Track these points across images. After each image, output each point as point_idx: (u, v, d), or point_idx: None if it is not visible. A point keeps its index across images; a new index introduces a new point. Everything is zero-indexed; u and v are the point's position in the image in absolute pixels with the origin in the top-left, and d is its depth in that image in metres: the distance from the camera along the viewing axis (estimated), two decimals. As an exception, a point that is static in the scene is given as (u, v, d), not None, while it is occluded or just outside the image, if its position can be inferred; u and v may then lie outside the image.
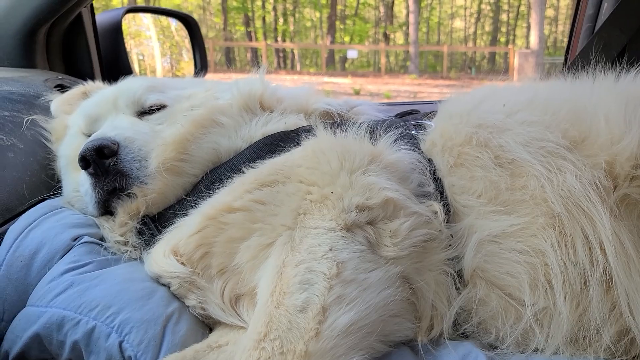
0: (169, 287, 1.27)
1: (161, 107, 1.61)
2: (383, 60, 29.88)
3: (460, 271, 1.19)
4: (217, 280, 1.22)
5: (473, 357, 1.10)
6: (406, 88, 20.84)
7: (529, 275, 1.11)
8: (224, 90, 1.66)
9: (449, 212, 1.24)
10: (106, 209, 1.43)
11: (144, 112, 1.61)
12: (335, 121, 1.54)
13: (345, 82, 22.16)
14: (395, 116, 1.76)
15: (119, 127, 1.51)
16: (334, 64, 31.98)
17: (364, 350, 0.99)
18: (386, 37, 36.86)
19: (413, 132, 1.45)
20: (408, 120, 1.57)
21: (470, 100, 1.43)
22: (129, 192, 1.39)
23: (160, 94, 1.64)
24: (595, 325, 1.07)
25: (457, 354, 1.12)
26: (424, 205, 1.22)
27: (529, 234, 1.13)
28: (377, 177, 1.19)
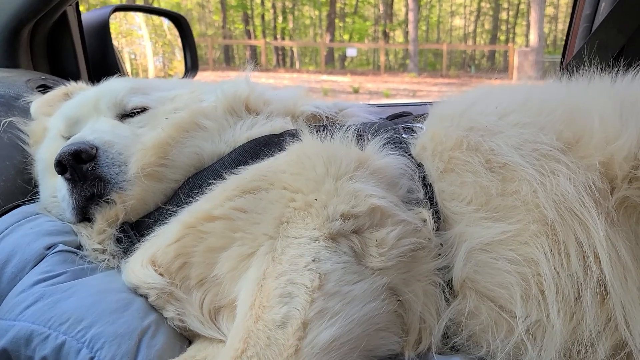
0: (147, 298, 1.22)
1: (144, 110, 1.56)
2: (382, 58, 29.82)
3: (450, 281, 1.15)
4: (195, 291, 1.17)
5: (462, 373, 1.06)
6: (405, 86, 20.81)
7: (520, 286, 1.06)
8: (208, 92, 1.61)
9: (439, 219, 1.19)
10: (84, 215, 1.38)
11: (126, 115, 1.56)
12: (323, 124, 1.49)
13: (344, 81, 22.12)
14: (386, 119, 1.72)
15: (98, 130, 1.45)
16: (333, 62, 31.92)
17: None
18: (385, 35, 36.80)
19: (403, 135, 1.40)
20: (398, 124, 1.52)
21: (462, 102, 1.39)
22: (108, 198, 1.34)
23: (143, 95, 1.59)
24: (589, 338, 1.03)
25: (446, 370, 1.08)
26: (413, 213, 1.17)
27: (521, 241, 1.09)
28: (364, 184, 1.14)
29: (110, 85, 1.65)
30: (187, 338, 1.22)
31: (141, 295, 1.22)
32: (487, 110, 1.28)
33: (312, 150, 1.23)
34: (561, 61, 2.60)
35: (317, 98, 1.72)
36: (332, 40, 32.99)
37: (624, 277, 1.02)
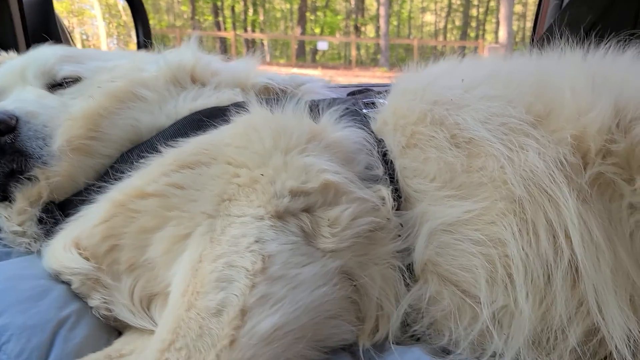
0: (69, 286, 1.08)
1: (77, 80, 1.41)
2: (354, 52, 29.79)
3: (411, 265, 1.05)
4: (125, 277, 1.04)
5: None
6: (377, 81, 20.83)
7: (485, 269, 0.98)
8: (150, 62, 1.47)
9: (400, 198, 1.10)
10: (3, 194, 1.24)
11: (57, 85, 1.41)
12: (276, 97, 1.38)
13: (315, 74, 21.99)
14: (347, 95, 1.61)
15: (21, 100, 1.31)
16: (305, 55, 31.73)
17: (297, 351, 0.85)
18: (357, 30, 36.80)
19: (363, 110, 1.30)
20: (359, 99, 1.42)
21: (427, 76, 1.30)
22: (30, 175, 1.20)
23: (77, 64, 1.44)
24: (560, 324, 0.95)
25: (404, 360, 0.97)
26: (371, 191, 1.07)
27: (488, 220, 1.00)
28: (317, 158, 1.04)
29: (39, 52, 1.50)
30: (116, 329, 1.09)
31: (63, 283, 1.08)
32: (453, 84, 1.20)
33: (260, 121, 1.12)
34: (531, 37, 2.53)
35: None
36: (303, 33, 32.79)
37: (597, 258, 0.94)
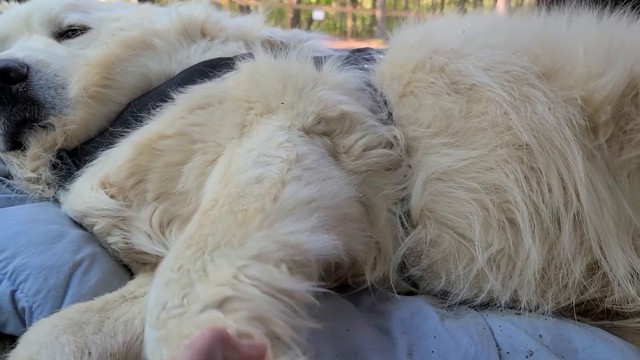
0: (84, 231, 1.10)
1: (84, 30, 1.40)
2: (349, 23, 29.39)
3: (408, 212, 1.06)
4: (148, 206, 1.05)
5: (423, 315, 0.98)
6: (372, 52, 20.58)
7: (479, 215, 0.99)
8: (161, 14, 1.47)
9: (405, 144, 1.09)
10: (15, 143, 1.24)
11: (63, 34, 1.39)
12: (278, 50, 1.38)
13: (310, 44, 21.67)
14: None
15: (30, 48, 1.29)
16: (299, 25, 31.26)
17: (326, 228, 0.81)
18: (353, 0, 36.23)
19: (364, 66, 1.30)
20: (360, 56, 1.42)
21: (426, 29, 1.27)
22: (45, 123, 1.21)
23: (82, 13, 1.43)
24: (566, 262, 0.97)
25: (407, 309, 1.00)
26: (384, 128, 1.08)
27: (484, 167, 1.01)
28: (329, 92, 1.06)
29: (43, 0, 1.47)
30: (128, 273, 1.12)
31: (77, 228, 1.10)
32: (453, 35, 1.18)
33: (264, 67, 1.11)
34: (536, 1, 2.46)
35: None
36: (299, 2, 32.22)
37: (600, 209, 0.97)
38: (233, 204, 0.78)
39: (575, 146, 0.98)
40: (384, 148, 1.05)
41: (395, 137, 1.07)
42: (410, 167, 1.07)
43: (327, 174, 0.89)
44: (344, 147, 1.01)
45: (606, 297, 1.00)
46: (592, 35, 1.11)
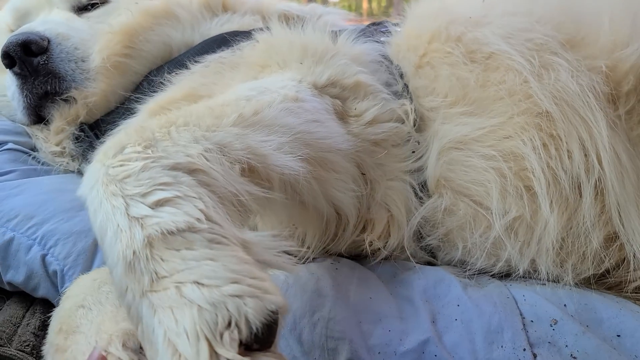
0: None
1: (103, 3, 1.42)
2: (365, 5, 29.00)
3: (424, 182, 1.06)
4: None
5: (446, 283, 0.98)
6: (387, 34, 20.30)
7: (496, 183, 0.98)
8: None
9: (416, 119, 1.09)
10: (38, 116, 1.27)
11: (83, 8, 1.43)
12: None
13: (325, 26, 21.46)
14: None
15: (50, 21, 1.32)
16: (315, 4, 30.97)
17: (300, 155, 0.79)
18: (369, -20, 35.75)
19: (381, 39, 1.28)
20: (376, 29, 1.40)
21: (443, 1, 1.25)
22: (67, 96, 1.23)
23: None
24: (584, 230, 0.96)
25: (430, 278, 0.99)
26: (396, 103, 1.07)
27: (502, 135, 1.00)
28: (349, 62, 1.06)
29: None
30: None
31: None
32: (471, 4, 1.17)
33: (281, 38, 1.11)
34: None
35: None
36: (313, -17, 31.88)
37: (622, 177, 0.96)
38: (214, 106, 0.77)
39: (599, 113, 0.96)
40: (395, 122, 1.04)
41: (406, 112, 1.06)
42: (419, 143, 1.07)
43: (323, 121, 0.88)
44: (355, 109, 1.00)
45: (620, 268, 0.99)
46: (618, 4, 1.08)
